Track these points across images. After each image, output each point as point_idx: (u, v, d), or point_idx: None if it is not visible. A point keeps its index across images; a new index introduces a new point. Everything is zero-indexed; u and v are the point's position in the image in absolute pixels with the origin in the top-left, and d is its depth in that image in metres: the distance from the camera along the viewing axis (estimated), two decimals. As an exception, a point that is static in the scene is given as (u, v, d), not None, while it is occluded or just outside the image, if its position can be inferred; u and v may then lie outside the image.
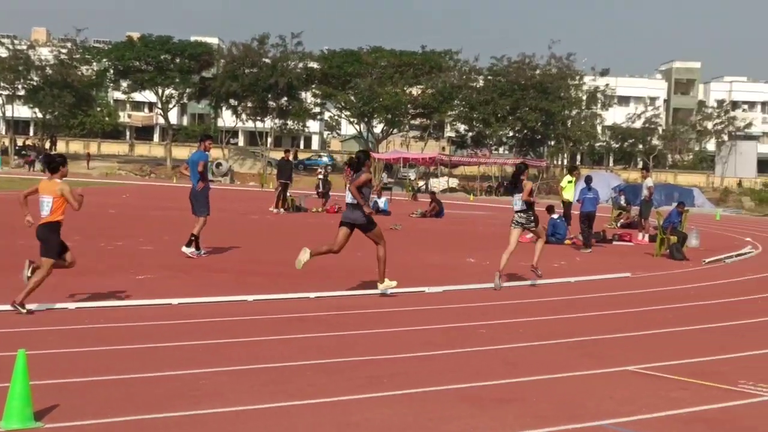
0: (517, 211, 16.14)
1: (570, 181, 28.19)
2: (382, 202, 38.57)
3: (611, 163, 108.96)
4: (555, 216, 27.12)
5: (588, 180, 26.32)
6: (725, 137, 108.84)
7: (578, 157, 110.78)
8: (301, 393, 7.50)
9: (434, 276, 16.58)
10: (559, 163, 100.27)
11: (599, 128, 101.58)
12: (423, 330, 11.00)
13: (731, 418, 7.29)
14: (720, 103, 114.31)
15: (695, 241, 27.55)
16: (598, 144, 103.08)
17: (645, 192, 29.21)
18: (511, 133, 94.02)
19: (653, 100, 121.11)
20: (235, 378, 7.96)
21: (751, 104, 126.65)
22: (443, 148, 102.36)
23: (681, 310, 13.91)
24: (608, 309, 13.60)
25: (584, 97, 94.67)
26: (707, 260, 22.71)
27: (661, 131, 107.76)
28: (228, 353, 9.03)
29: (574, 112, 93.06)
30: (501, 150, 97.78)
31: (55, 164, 11.19)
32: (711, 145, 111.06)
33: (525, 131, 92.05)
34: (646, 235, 28.57)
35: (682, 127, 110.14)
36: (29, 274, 10.99)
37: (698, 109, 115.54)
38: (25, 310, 10.78)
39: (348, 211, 13.78)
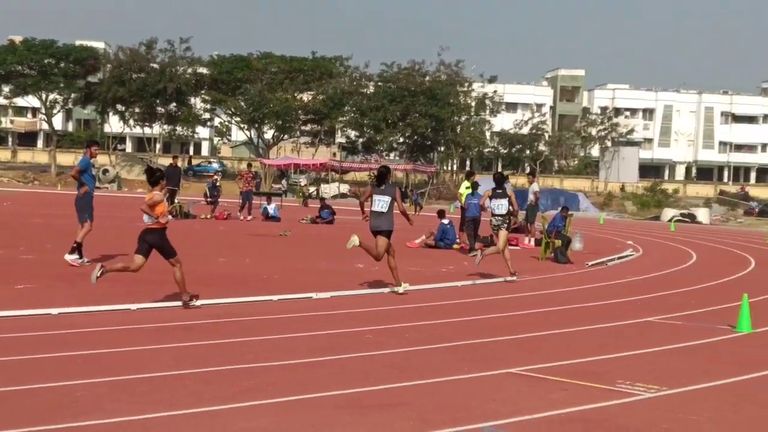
0: (494, 215, 19.01)
1: (468, 187, 28.50)
2: (272, 209, 38.34)
3: (500, 169, 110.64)
4: (445, 221, 27.37)
5: (475, 186, 26.71)
6: (608, 143, 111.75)
7: (467, 163, 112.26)
8: (181, 403, 7.39)
9: (323, 282, 16.55)
10: (449, 168, 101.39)
11: (488, 134, 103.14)
12: (309, 336, 10.96)
13: (608, 418, 7.46)
14: (603, 110, 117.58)
15: (579, 245, 28.16)
16: (486, 149, 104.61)
17: (531, 197, 29.77)
18: (401, 139, 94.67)
19: (540, 106, 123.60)
20: (115, 389, 7.79)
21: (633, 111, 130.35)
22: (334, 154, 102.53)
23: (563, 312, 14.19)
24: (493, 312, 13.78)
25: (473, 104, 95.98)
26: (590, 263, 23.23)
27: (547, 137, 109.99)
28: (108, 363, 8.84)
29: (463, 118, 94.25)
30: (392, 156, 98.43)
31: (155, 178, 12.67)
32: (595, 151, 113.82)
33: (415, 137, 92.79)
34: (532, 239, 29.08)
35: (567, 133, 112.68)
36: (116, 268, 12.82)
37: (583, 115, 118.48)
38: (197, 303, 12.71)
39: (374, 219, 15.61)
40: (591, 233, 38.40)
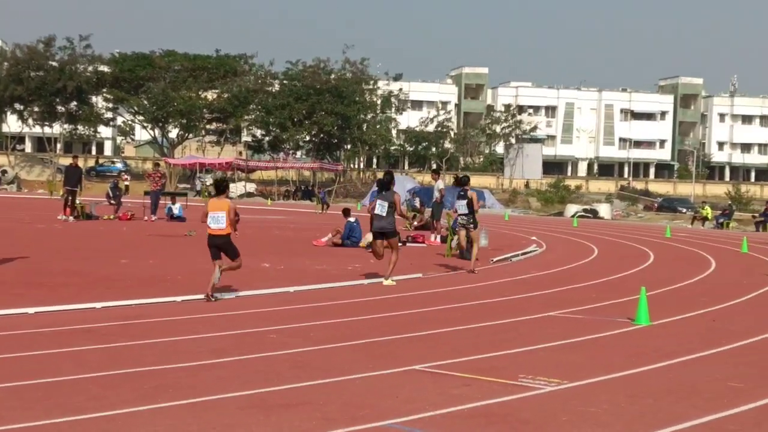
0: (460, 214, 20.87)
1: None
2: (176, 209, 37.87)
3: (406, 166, 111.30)
4: (352, 219, 27.39)
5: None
6: (513, 140, 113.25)
7: (374, 161, 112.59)
8: (79, 408, 7.23)
9: (227, 282, 16.42)
10: (356, 166, 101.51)
11: (394, 132, 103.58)
12: (212, 337, 10.85)
13: (510, 412, 7.55)
14: (507, 107, 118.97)
15: (484, 241, 28.42)
16: (393, 147, 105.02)
17: (436, 194, 29.95)
18: (307, 137, 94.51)
19: (445, 104, 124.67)
20: (10, 395, 7.59)
21: (536, 108, 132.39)
22: (240, 153, 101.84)
23: (467, 308, 14.33)
24: (398, 310, 13.84)
25: (379, 102, 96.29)
26: (495, 259, 23.49)
27: (452, 135, 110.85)
28: (4, 369, 8.60)
29: (369, 116, 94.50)
30: (298, 154, 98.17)
31: (224, 186, 14.62)
32: (500, 148, 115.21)
33: (321, 135, 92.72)
34: (438, 236, 29.28)
35: (472, 130, 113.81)
36: (219, 275, 14.24)
37: (487, 113, 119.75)
38: (214, 298, 14.11)
39: (376, 221, 17.80)
40: (496, 229, 38.86)
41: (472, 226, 20.79)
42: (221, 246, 14.40)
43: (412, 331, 11.70)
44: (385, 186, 17.91)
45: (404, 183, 67.82)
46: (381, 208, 17.80)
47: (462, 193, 20.84)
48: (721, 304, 15.86)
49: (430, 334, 11.60)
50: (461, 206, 20.81)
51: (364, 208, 57.18)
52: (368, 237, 27.07)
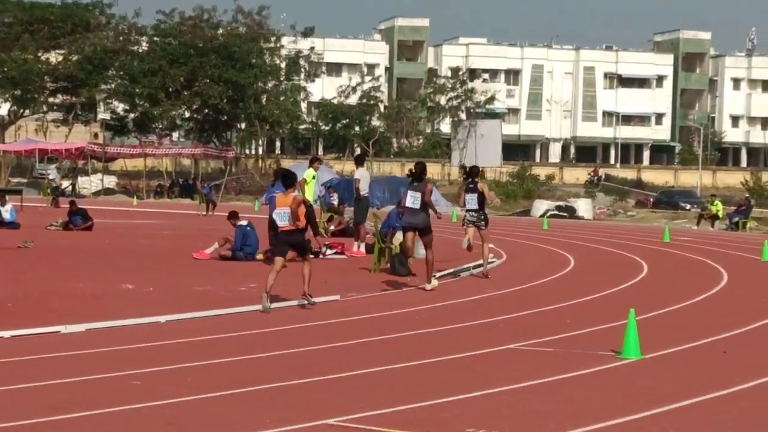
0: (468, 210, 23.27)
1: (314, 177, 28.44)
2: (7, 211, 37.32)
3: (320, 151, 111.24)
4: (244, 223, 27.22)
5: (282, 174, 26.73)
6: (462, 115, 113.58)
7: (278, 144, 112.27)
8: None
9: (76, 309, 16.22)
10: (253, 152, 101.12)
11: (304, 105, 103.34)
12: (54, 386, 10.70)
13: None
14: (455, 71, 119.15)
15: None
16: (303, 126, 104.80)
17: (364, 187, 29.61)
18: (187, 114, 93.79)
19: (372, 68, 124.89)
20: None
21: (493, 73, 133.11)
22: (95, 136, 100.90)
23: (400, 340, 14.33)
24: (309, 343, 13.80)
25: (283, 65, 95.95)
26: (438, 274, 23.52)
27: (382, 108, 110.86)
28: None
29: (270, 85, 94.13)
30: (175, 136, 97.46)
31: (291, 180, 18.02)
32: (446, 126, 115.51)
33: (206, 111, 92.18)
34: (362, 245, 29.22)
35: (408, 102, 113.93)
36: (271, 283, 17.10)
37: (428, 79, 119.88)
38: (313, 301, 17.64)
39: (408, 216, 20.90)
40: (441, 234, 39.01)
41: (483, 224, 23.40)
42: (293, 243, 17.66)
43: (327, 373, 11.66)
44: (418, 176, 20.85)
45: (318, 174, 67.62)
46: (414, 200, 20.60)
47: (471, 185, 23.27)
48: (734, 329, 16.08)
49: (351, 375, 11.57)
50: (471, 201, 23.19)
51: (264, 208, 56.96)
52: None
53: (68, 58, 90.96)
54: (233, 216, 27.92)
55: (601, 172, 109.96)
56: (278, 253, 17.86)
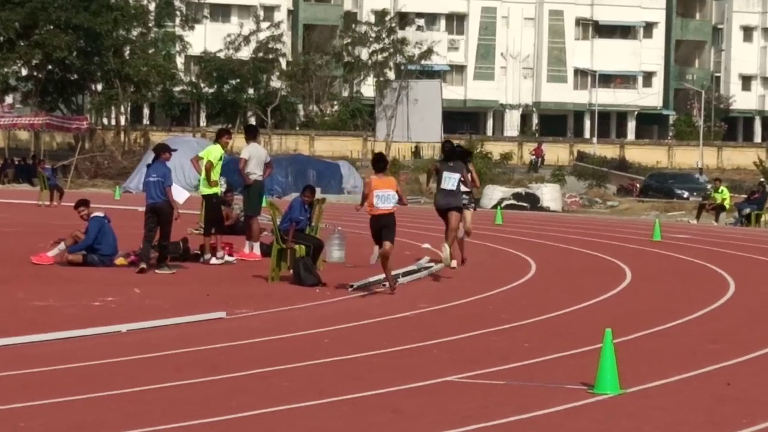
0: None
1: (221, 157, 28.03)
2: None
3: (203, 122, 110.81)
4: (100, 215, 27.06)
5: (162, 151, 26.63)
6: (390, 74, 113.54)
7: (146, 111, 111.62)
8: None
9: None
10: (113, 122, 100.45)
11: (180, 61, 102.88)
12: None
13: None
14: (380, 15, 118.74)
15: (338, 252, 28.47)
16: (178, 88, 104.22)
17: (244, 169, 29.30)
18: (24, 72, 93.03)
19: (270, 10, 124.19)
20: None
21: (431, 18, 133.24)
22: None
23: (309, 370, 14.34)
24: (181, 377, 13.76)
25: (152, 7, 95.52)
26: (356, 284, 23.56)
27: (285, 65, 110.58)
28: None
29: (135, 33, 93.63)
30: (8, 100, 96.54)
31: (384, 163, 23.13)
32: (369, 89, 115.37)
33: (50, 67, 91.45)
34: (256, 245, 29.18)
35: (319, 57, 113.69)
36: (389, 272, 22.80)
37: (345, 26, 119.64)
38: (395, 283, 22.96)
39: (443, 198, 25.56)
40: (360, 231, 39.08)
41: (472, 207, 28.71)
42: (388, 225, 22.43)
43: (201, 416, 11.64)
44: (453, 154, 25.75)
45: (199, 151, 67.10)
46: (451, 181, 25.07)
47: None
48: (740, 356, 16.26)
49: (236, 419, 11.58)
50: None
51: (129, 198, 56.63)
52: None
53: None
54: (83, 204, 27.67)
55: (544, 149, 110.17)
56: (376, 237, 22.99)
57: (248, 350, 16.08)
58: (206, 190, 28.34)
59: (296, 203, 25.95)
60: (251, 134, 31.48)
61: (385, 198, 21.98)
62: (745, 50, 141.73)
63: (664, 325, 19.15)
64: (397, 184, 22.83)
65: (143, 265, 25.13)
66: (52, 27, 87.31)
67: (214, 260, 27.57)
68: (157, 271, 25.26)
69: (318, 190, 39.02)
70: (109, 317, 18.55)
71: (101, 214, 27.13)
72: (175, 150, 29.04)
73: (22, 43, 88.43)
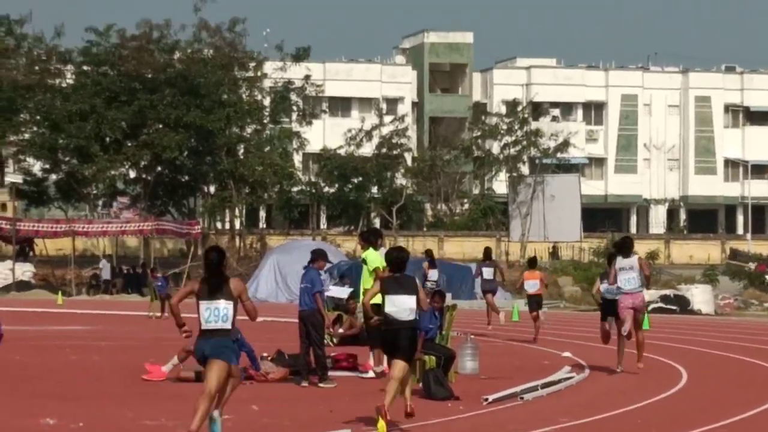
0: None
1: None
2: None
3: (323, 224, 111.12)
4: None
5: (319, 257, 27.00)
6: (524, 168, 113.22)
7: (262, 214, 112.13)
8: None
9: None
10: (227, 226, 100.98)
11: (298, 159, 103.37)
12: None
13: None
14: (512, 106, 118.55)
15: (471, 363, 28.37)
16: (296, 189, 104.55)
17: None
18: (133, 174, 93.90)
19: (394, 103, 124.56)
20: None
21: (567, 107, 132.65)
22: (3, 207, 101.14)
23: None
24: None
25: (267, 102, 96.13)
26: (490, 398, 23.47)
27: (410, 161, 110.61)
28: None
29: (249, 131, 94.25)
30: (114, 206, 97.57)
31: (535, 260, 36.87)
32: (501, 185, 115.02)
33: (159, 168, 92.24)
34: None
35: (447, 152, 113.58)
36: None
37: (474, 118, 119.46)
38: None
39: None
40: (494, 340, 38.85)
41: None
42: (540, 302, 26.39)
43: None
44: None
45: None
46: (629, 279, 28.26)
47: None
48: None
49: None
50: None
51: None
52: (268, 365, 26.96)
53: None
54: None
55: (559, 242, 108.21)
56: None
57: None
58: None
59: (426, 312, 25.97)
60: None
61: (531, 285, 24.37)
62: None
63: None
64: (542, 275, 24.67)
65: (304, 383, 25.48)
66: (161, 126, 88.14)
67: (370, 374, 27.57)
68: (320, 384, 25.53)
69: (448, 295, 39.06)
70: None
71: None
72: (330, 262, 29.99)
73: (129, 144, 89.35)
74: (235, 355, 18.13)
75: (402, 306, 20.07)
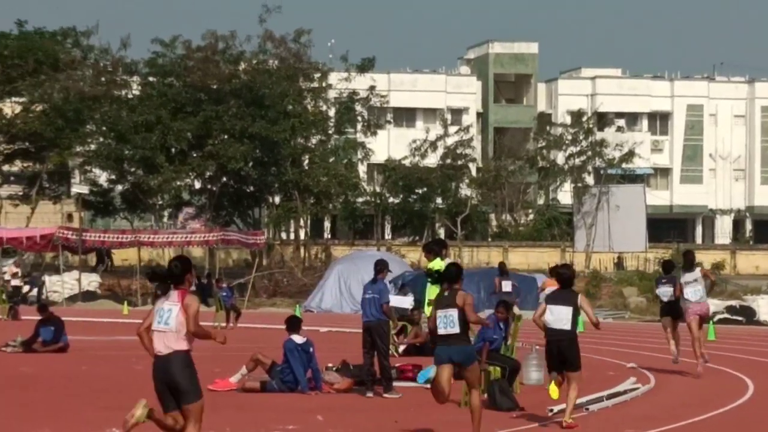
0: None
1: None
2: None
3: (388, 234, 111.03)
4: (298, 340, 27.25)
5: (384, 267, 27.08)
6: (589, 179, 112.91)
7: (326, 224, 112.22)
8: None
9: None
10: (292, 236, 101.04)
11: (362, 169, 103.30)
12: None
13: None
14: (576, 116, 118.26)
15: (536, 374, 28.32)
16: (361, 199, 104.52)
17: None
18: (198, 184, 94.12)
19: (458, 114, 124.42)
20: None
21: (632, 118, 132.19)
22: (69, 217, 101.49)
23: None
24: None
25: (332, 113, 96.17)
26: (555, 409, 23.44)
27: (475, 171, 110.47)
28: None
29: (314, 141, 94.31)
30: (180, 217, 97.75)
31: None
32: (566, 196, 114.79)
33: (225, 179, 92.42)
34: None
35: (511, 162, 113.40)
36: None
37: (539, 128, 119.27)
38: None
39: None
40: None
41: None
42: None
43: None
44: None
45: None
46: (695, 292, 30.77)
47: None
48: None
49: None
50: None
51: (310, 316, 56.85)
52: (333, 376, 26.97)
53: (30, 108, 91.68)
54: (293, 325, 27.75)
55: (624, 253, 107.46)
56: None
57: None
58: None
59: (491, 319, 25.94)
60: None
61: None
62: None
63: None
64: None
65: (369, 394, 25.58)
66: (226, 137, 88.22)
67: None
68: (385, 395, 25.62)
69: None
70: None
71: (300, 340, 27.27)
72: (390, 272, 30.21)
73: (195, 155, 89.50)
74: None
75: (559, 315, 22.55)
